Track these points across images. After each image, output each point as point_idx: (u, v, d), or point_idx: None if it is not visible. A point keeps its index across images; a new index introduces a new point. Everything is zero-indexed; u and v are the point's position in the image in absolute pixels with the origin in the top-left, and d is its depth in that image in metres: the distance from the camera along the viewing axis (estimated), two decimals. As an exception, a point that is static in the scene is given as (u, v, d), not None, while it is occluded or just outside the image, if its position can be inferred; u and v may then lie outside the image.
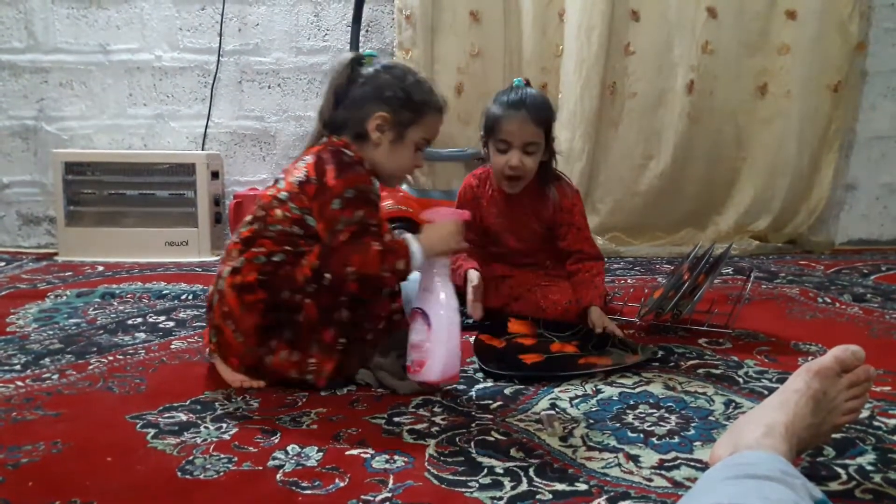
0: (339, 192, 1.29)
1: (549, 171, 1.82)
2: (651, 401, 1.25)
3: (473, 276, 1.74)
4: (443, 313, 1.28)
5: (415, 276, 1.35)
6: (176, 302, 2.01)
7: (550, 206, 1.82)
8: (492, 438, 1.09)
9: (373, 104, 1.36)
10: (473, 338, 1.59)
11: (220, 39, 2.92)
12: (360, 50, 2.79)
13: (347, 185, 1.29)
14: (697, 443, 1.07)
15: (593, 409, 1.21)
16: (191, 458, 1.02)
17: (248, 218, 1.38)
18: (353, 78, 1.39)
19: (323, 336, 1.31)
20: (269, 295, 1.30)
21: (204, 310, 1.90)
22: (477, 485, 0.94)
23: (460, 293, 1.72)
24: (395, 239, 1.33)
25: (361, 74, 1.39)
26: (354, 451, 1.05)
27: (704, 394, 1.28)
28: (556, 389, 1.31)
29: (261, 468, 0.99)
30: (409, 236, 1.32)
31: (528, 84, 1.78)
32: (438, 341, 1.27)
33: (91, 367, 1.43)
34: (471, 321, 1.74)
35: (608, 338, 1.60)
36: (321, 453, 1.04)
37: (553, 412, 1.19)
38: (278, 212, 1.33)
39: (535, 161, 1.74)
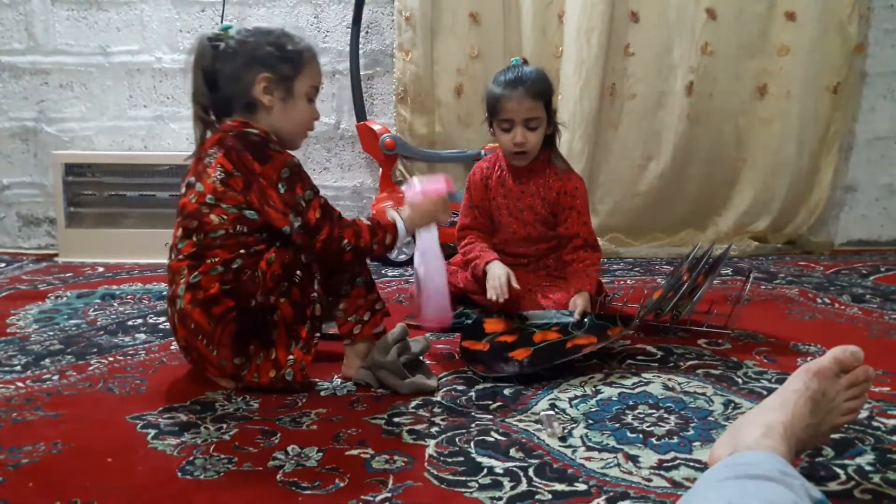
0: (275, 176, 1.29)
1: (553, 147, 1.88)
2: (650, 401, 1.25)
3: (499, 270, 1.74)
4: (422, 269, 1.46)
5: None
6: (176, 303, 2.01)
7: (554, 189, 1.85)
8: (491, 439, 1.09)
9: (251, 70, 1.33)
10: (459, 346, 1.57)
11: (221, 41, 2.92)
12: (361, 48, 2.80)
13: (278, 167, 1.29)
14: (696, 443, 1.07)
15: (592, 410, 1.22)
16: (191, 458, 1.02)
17: (179, 233, 1.34)
18: (218, 55, 1.35)
19: (300, 333, 1.31)
20: (238, 301, 1.28)
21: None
22: (476, 485, 0.94)
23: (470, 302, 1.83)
24: (382, 215, 1.40)
25: (227, 48, 1.35)
26: (354, 452, 1.05)
27: (704, 394, 1.28)
28: (556, 390, 1.31)
29: (261, 468, 1.00)
30: (393, 213, 1.40)
31: (525, 63, 1.83)
32: (426, 290, 1.46)
33: (91, 367, 1.44)
34: (470, 321, 1.75)
35: (585, 315, 1.63)
36: (321, 454, 1.04)
37: (552, 412, 1.20)
38: (213, 217, 1.29)
39: (540, 135, 1.80)
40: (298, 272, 1.31)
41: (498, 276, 1.72)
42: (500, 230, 1.95)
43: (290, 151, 1.36)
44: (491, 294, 1.69)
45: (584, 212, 1.86)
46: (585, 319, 1.63)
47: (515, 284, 1.71)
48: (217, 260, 1.29)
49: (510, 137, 1.78)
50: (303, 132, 1.44)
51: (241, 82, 1.34)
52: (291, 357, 1.30)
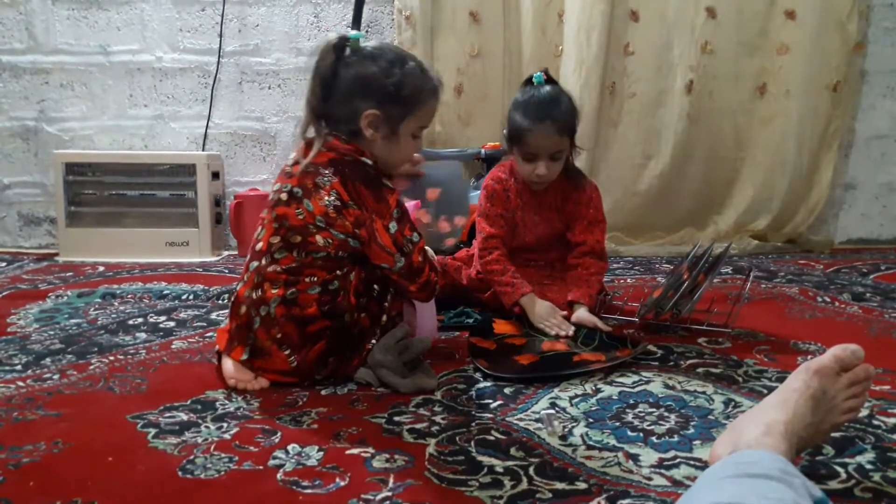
0: (389, 214, 1.31)
1: (571, 164, 1.84)
2: (651, 400, 1.25)
3: (543, 310, 1.71)
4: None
5: None
6: (177, 302, 2.02)
7: (571, 200, 1.85)
8: (492, 437, 1.09)
9: (361, 101, 1.31)
10: (467, 341, 1.59)
11: (221, 40, 2.93)
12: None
13: (392, 206, 1.32)
14: (697, 442, 1.07)
15: (593, 409, 1.22)
16: (191, 457, 1.02)
17: (276, 240, 1.32)
18: (338, 66, 1.32)
19: (366, 347, 1.36)
20: (333, 321, 1.31)
21: (205, 310, 1.91)
22: (477, 484, 0.94)
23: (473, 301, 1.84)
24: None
25: (347, 62, 1.32)
26: (355, 451, 1.05)
27: (704, 393, 1.28)
28: (556, 389, 1.31)
29: (261, 467, 1.00)
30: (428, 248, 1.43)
31: (548, 79, 1.75)
32: (420, 313, 1.50)
33: (92, 367, 1.44)
34: (471, 321, 1.75)
35: (596, 333, 1.61)
36: (321, 452, 1.04)
37: (553, 411, 1.20)
38: (319, 238, 1.30)
39: (561, 163, 1.77)
40: (375, 286, 1.36)
41: (548, 314, 1.70)
42: (515, 237, 1.93)
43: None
44: (553, 332, 1.65)
45: (594, 221, 1.85)
46: (596, 335, 1.61)
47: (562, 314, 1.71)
48: (316, 280, 1.30)
49: (532, 168, 1.74)
50: (402, 164, 1.48)
51: (349, 108, 1.32)
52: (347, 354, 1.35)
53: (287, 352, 1.30)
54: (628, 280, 2.37)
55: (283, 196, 1.34)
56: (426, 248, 1.42)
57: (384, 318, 1.38)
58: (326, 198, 1.30)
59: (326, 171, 1.31)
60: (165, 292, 2.13)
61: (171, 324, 1.78)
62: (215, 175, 2.87)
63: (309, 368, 1.32)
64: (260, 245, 1.35)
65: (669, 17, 2.81)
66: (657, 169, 2.91)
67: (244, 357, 1.33)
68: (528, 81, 1.76)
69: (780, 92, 2.89)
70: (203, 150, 2.98)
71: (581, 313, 1.70)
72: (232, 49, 2.95)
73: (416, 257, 1.35)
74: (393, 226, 1.32)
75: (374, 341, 1.36)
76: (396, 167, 1.45)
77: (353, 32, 1.33)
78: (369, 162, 1.33)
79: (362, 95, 1.31)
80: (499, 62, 2.83)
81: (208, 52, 2.94)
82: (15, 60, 2.93)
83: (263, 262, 1.33)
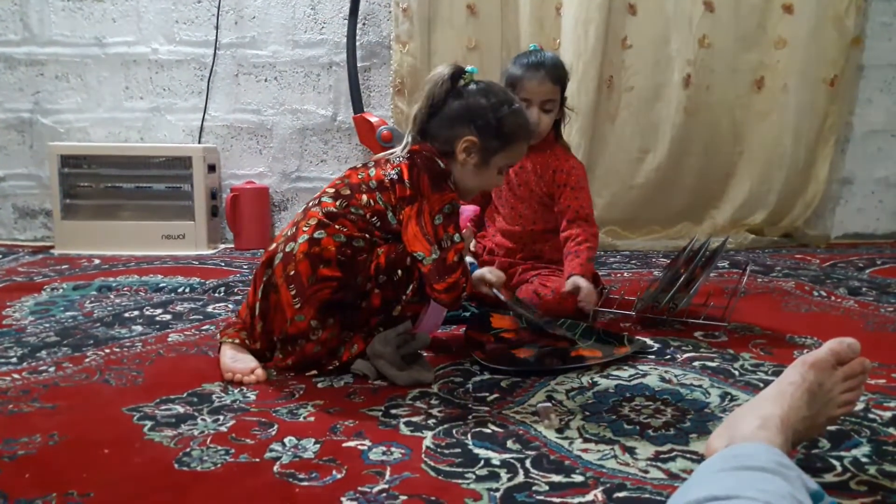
0: (440, 206, 1.36)
1: (557, 131, 1.90)
2: (647, 393, 1.25)
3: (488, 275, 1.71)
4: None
5: None
6: (173, 295, 2.01)
7: (551, 167, 1.86)
8: (488, 430, 1.09)
9: (464, 127, 1.41)
10: (464, 333, 1.59)
11: (217, 32, 2.92)
12: (358, 40, 2.79)
13: (445, 201, 1.37)
14: (693, 435, 1.08)
15: (589, 402, 1.22)
16: (188, 450, 1.02)
17: (331, 190, 1.40)
18: (451, 93, 1.42)
19: (372, 322, 1.38)
20: (345, 275, 1.33)
21: (201, 303, 1.91)
22: (474, 476, 0.94)
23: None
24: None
25: (459, 91, 1.43)
26: (351, 443, 1.05)
27: (700, 386, 1.28)
28: (553, 382, 1.31)
29: (258, 460, 1.00)
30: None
31: (542, 49, 1.88)
32: (432, 314, 1.47)
33: (88, 359, 1.43)
34: (468, 314, 1.75)
35: (594, 329, 1.61)
36: (318, 445, 1.04)
37: (549, 404, 1.20)
38: (364, 197, 1.36)
39: (552, 118, 1.84)
40: (400, 271, 1.36)
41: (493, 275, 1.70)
42: (497, 204, 1.97)
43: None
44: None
45: (577, 188, 1.86)
46: (594, 335, 1.60)
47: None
48: (345, 230, 1.34)
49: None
50: (477, 192, 1.54)
51: (451, 130, 1.41)
52: (350, 334, 1.37)
53: (293, 292, 1.32)
54: (625, 274, 2.37)
55: (358, 165, 1.46)
56: (465, 258, 1.45)
57: (398, 308, 1.38)
58: (390, 171, 1.39)
59: (401, 156, 1.42)
60: (161, 285, 2.12)
61: (168, 317, 1.78)
62: (211, 168, 2.86)
63: (308, 317, 1.32)
64: (317, 194, 1.43)
65: (667, 10, 2.81)
66: (654, 163, 2.91)
67: (242, 336, 1.38)
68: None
69: (777, 86, 2.89)
70: (199, 142, 2.97)
71: (576, 280, 1.71)
72: (228, 41, 2.93)
73: (451, 255, 1.36)
74: (439, 218, 1.35)
75: (380, 328, 1.37)
76: (472, 193, 1.54)
77: (470, 67, 1.46)
78: (441, 163, 1.41)
79: (466, 122, 1.41)
80: (496, 55, 2.82)
81: (204, 45, 2.93)
82: (10, 52, 2.92)
83: (310, 203, 1.41)
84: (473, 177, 1.45)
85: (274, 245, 1.39)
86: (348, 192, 1.38)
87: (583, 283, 1.70)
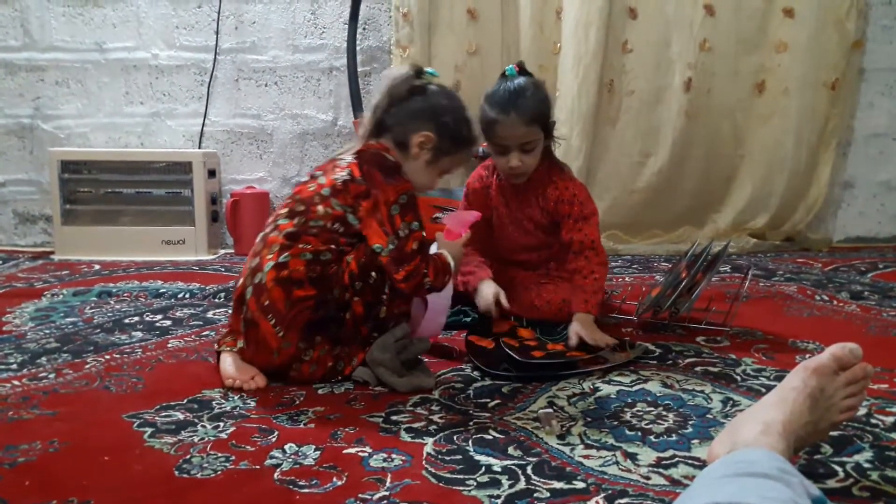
0: (394, 197, 1.36)
1: (552, 157, 1.80)
2: (649, 399, 1.25)
3: (487, 290, 1.71)
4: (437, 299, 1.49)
5: None
6: (173, 301, 2.01)
7: (552, 199, 1.77)
8: (489, 437, 1.09)
9: (424, 122, 1.43)
10: (465, 339, 1.59)
11: (217, 37, 2.92)
12: (358, 45, 2.79)
13: (399, 192, 1.36)
14: (695, 441, 1.07)
15: (591, 407, 1.21)
16: (188, 456, 1.02)
17: (285, 211, 1.39)
18: (413, 90, 1.45)
19: (362, 331, 1.36)
20: (320, 292, 1.32)
21: (201, 309, 1.90)
22: (475, 483, 0.94)
23: (470, 300, 1.76)
24: (443, 257, 1.44)
25: (422, 88, 1.46)
26: (352, 450, 1.05)
27: (702, 392, 1.28)
28: (554, 388, 1.31)
29: (258, 467, 0.99)
30: (446, 255, 1.45)
31: (521, 71, 1.72)
32: (431, 310, 1.48)
33: (88, 366, 1.43)
34: (469, 320, 1.75)
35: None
36: (319, 452, 1.04)
37: (551, 410, 1.19)
38: (320, 208, 1.35)
39: (536, 155, 1.71)
40: (373, 273, 1.35)
41: (485, 296, 1.70)
42: (501, 238, 1.90)
43: None
44: (483, 309, 1.70)
45: (580, 218, 1.75)
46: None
47: (505, 303, 1.68)
48: (309, 247, 1.33)
49: (505, 161, 1.70)
50: (419, 190, 1.51)
51: (409, 124, 1.44)
52: (346, 350, 1.36)
53: (273, 321, 1.31)
54: (626, 278, 2.36)
55: (305, 178, 1.46)
56: (437, 251, 1.45)
57: (382, 311, 1.37)
58: (339, 173, 1.39)
59: (348, 158, 1.42)
60: (161, 291, 2.12)
61: (168, 322, 1.77)
62: (212, 173, 2.86)
63: (294, 343, 1.31)
64: (270, 219, 1.42)
65: (668, 14, 2.81)
66: (655, 167, 2.91)
67: (239, 345, 1.36)
68: (503, 75, 1.73)
69: (778, 90, 2.89)
70: (199, 147, 2.97)
71: (575, 328, 1.60)
72: (228, 46, 2.94)
73: (409, 244, 1.35)
74: (395, 208, 1.35)
75: (375, 335, 1.36)
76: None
77: (430, 69, 1.49)
78: (391, 157, 1.42)
79: (427, 118, 1.44)
80: (497, 59, 2.82)
81: (204, 50, 2.93)
82: (10, 58, 2.92)
83: (268, 230, 1.39)
84: (421, 173, 1.47)
85: (241, 280, 1.38)
86: (303, 207, 1.37)
87: (580, 330, 1.59)
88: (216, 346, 1.41)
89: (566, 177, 1.80)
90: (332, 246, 1.34)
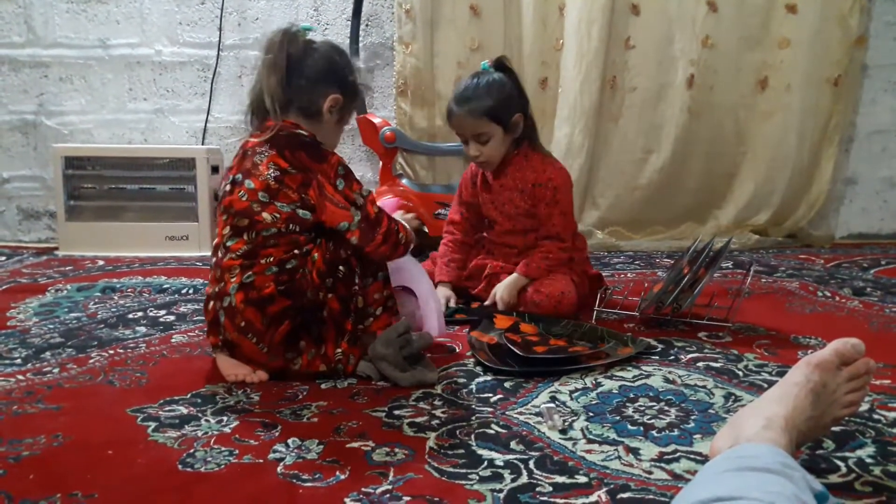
0: (333, 172, 1.32)
1: (533, 143, 1.88)
2: (651, 394, 1.25)
3: (442, 293, 1.86)
4: (424, 286, 1.56)
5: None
6: (176, 296, 2.02)
7: (530, 181, 1.85)
8: (492, 431, 1.09)
9: (327, 86, 1.38)
10: (467, 335, 1.59)
11: (220, 34, 2.92)
12: (361, 41, 2.79)
13: (334, 165, 1.33)
14: (697, 435, 1.07)
15: (593, 402, 1.22)
16: (192, 451, 1.02)
17: (227, 231, 1.32)
18: (306, 53, 1.38)
19: (345, 326, 1.35)
20: (294, 300, 1.30)
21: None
22: (477, 477, 0.94)
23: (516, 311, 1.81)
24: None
25: (311, 49, 1.39)
26: (355, 444, 1.05)
27: (704, 387, 1.28)
28: (556, 383, 1.31)
29: (261, 461, 1.00)
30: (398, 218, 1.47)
31: (497, 67, 1.85)
32: (429, 308, 1.54)
33: (92, 360, 1.44)
34: (471, 315, 1.75)
35: (597, 331, 1.60)
36: (322, 446, 1.04)
37: (553, 405, 1.20)
38: (266, 215, 1.29)
39: (495, 145, 1.81)
40: (341, 267, 1.33)
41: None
42: (491, 224, 1.98)
43: None
44: None
45: (553, 203, 1.83)
46: (597, 337, 1.60)
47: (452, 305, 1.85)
48: (272, 260, 1.29)
49: (467, 149, 1.85)
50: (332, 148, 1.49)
51: (313, 91, 1.38)
52: (339, 350, 1.34)
53: (254, 340, 1.30)
54: (629, 274, 2.37)
55: (227, 187, 1.36)
56: (398, 217, 1.47)
57: (359, 301, 1.35)
58: (266, 172, 1.31)
59: (261, 149, 1.34)
60: (165, 286, 2.12)
61: (171, 318, 1.78)
62: (215, 169, 2.86)
63: (281, 355, 1.31)
64: (216, 241, 1.38)
65: (670, 10, 2.81)
66: (658, 163, 2.91)
67: (223, 346, 1.36)
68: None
69: (781, 86, 2.89)
70: (203, 144, 2.98)
71: (499, 284, 1.82)
72: (231, 42, 2.94)
73: (370, 208, 1.35)
74: (340, 182, 1.33)
75: (360, 326, 1.36)
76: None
77: (304, 24, 1.42)
78: (304, 132, 1.36)
79: (329, 81, 1.39)
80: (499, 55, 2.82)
81: (208, 46, 2.93)
82: (14, 54, 2.92)
83: (219, 254, 1.35)
84: (331, 134, 1.45)
85: (211, 304, 1.35)
86: (246, 221, 1.30)
87: (500, 286, 1.82)
88: (210, 350, 1.42)
89: (547, 161, 1.88)
90: (295, 251, 1.30)
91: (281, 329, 1.29)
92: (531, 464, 0.98)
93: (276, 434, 1.09)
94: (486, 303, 1.83)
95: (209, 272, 1.41)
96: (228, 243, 1.32)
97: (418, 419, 1.14)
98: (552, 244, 1.84)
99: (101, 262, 2.56)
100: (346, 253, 1.34)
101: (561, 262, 1.84)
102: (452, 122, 1.84)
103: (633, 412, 1.17)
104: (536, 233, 1.89)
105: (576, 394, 1.26)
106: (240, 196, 1.32)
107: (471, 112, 1.78)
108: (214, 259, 1.37)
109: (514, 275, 1.82)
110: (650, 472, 0.96)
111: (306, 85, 1.37)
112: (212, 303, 1.35)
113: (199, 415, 1.16)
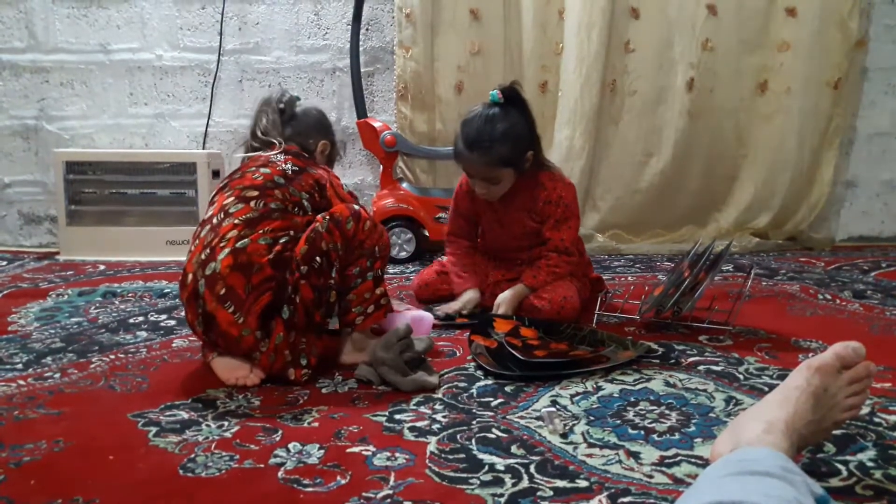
0: (337, 180, 1.56)
1: (539, 161, 1.84)
2: (651, 398, 1.25)
3: (471, 298, 1.86)
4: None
5: None
6: (177, 300, 2.02)
7: (540, 199, 1.84)
8: (493, 435, 1.09)
9: (320, 135, 1.67)
10: (468, 339, 1.59)
11: (221, 38, 2.92)
12: (361, 45, 2.80)
13: (335, 175, 1.58)
14: (698, 439, 1.07)
15: (594, 406, 1.22)
16: (192, 456, 1.03)
17: (232, 199, 1.40)
18: (295, 112, 1.66)
19: (315, 317, 1.37)
20: (279, 273, 1.33)
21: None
22: (478, 482, 0.94)
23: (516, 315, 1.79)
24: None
25: (301, 107, 1.68)
26: (356, 449, 1.05)
27: (705, 390, 1.28)
28: (557, 387, 1.31)
29: (262, 466, 1.00)
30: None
31: (507, 98, 1.74)
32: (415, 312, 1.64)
33: (93, 365, 1.44)
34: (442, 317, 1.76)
35: (598, 334, 1.60)
36: (322, 451, 1.04)
37: (554, 409, 1.20)
38: (277, 192, 1.42)
39: (505, 183, 1.79)
40: (318, 258, 1.36)
41: (465, 300, 1.85)
42: (492, 239, 1.96)
43: None
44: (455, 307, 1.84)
45: (562, 220, 1.83)
46: (598, 341, 1.59)
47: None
48: (269, 231, 1.35)
49: (473, 183, 1.82)
50: None
51: (309, 138, 1.65)
52: (304, 339, 1.36)
53: (231, 309, 1.30)
54: (629, 278, 2.37)
55: (237, 174, 1.50)
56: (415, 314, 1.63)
57: (332, 295, 1.39)
58: (282, 165, 1.50)
59: (277, 156, 1.53)
60: (166, 291, 2.13)
61: (172, 322, 1.78)
62: (216, 173, 2.86)
63: (253, 330, 1.30)
64: (210, 213, 1.43)
65: (670, 14, 2.81)
66: (658, 167, 2.91)
67: (202, 330, 1.36)
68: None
69: (781, 89, 2.89)
70: (203, 148, 2.98)
71: (503, 294, 1.79)
72: (232, 47, 2.94)
73: (364, 212, 1.45)
74: (345, 188, 1.57)
75: (328, 320, 1.40)
76: None
77: (295, 94, 1.70)
78: (305, 155, 1.61)
79: (320, 132, 1.68)
80: (499, 60, 2.83)
81: (208, 51, 2.94)
82: (15, 59, 2.93)
83: (215, 221, 1.39)
84: None
85: (190, 276, 1.34)
86: (256, 192, 1.41)
87: (504, 294, 1.80)
88: (203, 358, 1.42)
89: (555, 178, 1.85)
90: (291, 232, 1.38)
91: (262, 299, 1.31)
92: (532, 468, 0.98)
93: (277, 439, 1.09)
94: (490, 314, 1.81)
95: (191, 247, 1.40)
96: (231, 209, 1.39)
97: (419, 423, 1.14)
98: (560, 258, 1.83)
99: (102, 267, 2.56)
100: (328, 246, 1.37)
101: (567, 275, 1.84)
102: (461, 163, 1.80)
103: (634, 416, 1.17)
104: (543, 246, 1.87)
105: (576, 398, 1.26)
106: (254, 176, 1.45)
107: (484, 160, 1.73)
108: (207, 228, 1.39)
109: (520, 286, 1.81)
110: (651, 476, 0.96)
111: (303, 130, 1.65)
112: (190, 276, 1.34)
113: (200, 419, 1.16)
